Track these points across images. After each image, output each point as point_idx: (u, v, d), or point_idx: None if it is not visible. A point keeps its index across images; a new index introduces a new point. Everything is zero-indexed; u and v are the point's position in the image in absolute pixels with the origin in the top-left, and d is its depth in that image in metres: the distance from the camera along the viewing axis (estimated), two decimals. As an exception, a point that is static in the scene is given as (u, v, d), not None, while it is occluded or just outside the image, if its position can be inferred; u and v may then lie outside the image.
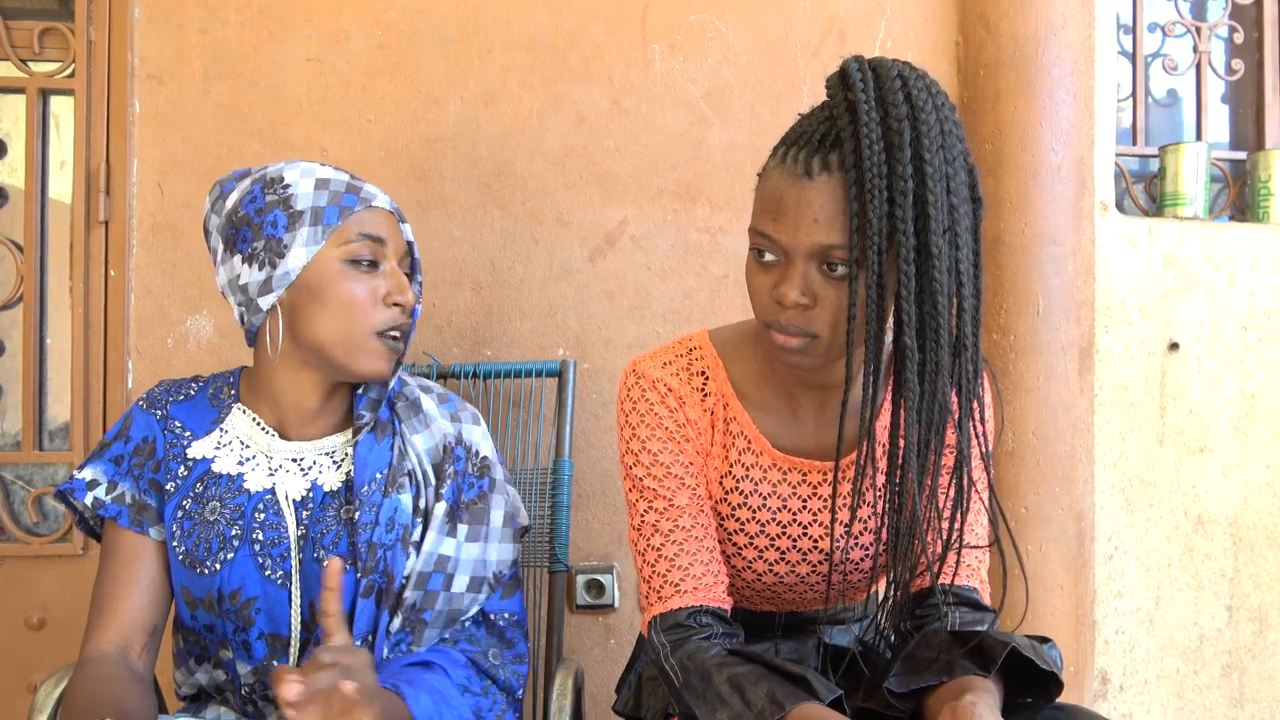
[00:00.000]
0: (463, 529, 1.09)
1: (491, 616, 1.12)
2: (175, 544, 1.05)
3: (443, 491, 1.09)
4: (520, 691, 1.11)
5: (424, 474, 1.09)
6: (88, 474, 1.08)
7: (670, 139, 1.71)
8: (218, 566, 1.03)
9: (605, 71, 1.70)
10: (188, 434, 1.09)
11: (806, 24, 1.73)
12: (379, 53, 1.67)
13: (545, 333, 1.70)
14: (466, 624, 1.11)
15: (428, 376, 1.52)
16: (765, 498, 1.04)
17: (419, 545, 1.07)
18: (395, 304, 1.05)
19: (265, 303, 1.03)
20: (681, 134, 1.71)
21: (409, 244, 1.11)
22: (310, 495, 1.06)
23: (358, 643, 1.03)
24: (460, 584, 1.09)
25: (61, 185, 1.72)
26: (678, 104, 1.71)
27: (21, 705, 1.64)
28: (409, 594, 1.06)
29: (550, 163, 1.69)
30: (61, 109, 1.72)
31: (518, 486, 1.45)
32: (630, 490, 1.04)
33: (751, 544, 1.05)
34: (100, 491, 1.07)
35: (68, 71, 1.67)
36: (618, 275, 1.71)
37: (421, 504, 1.08)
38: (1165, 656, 1.85)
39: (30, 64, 1.68)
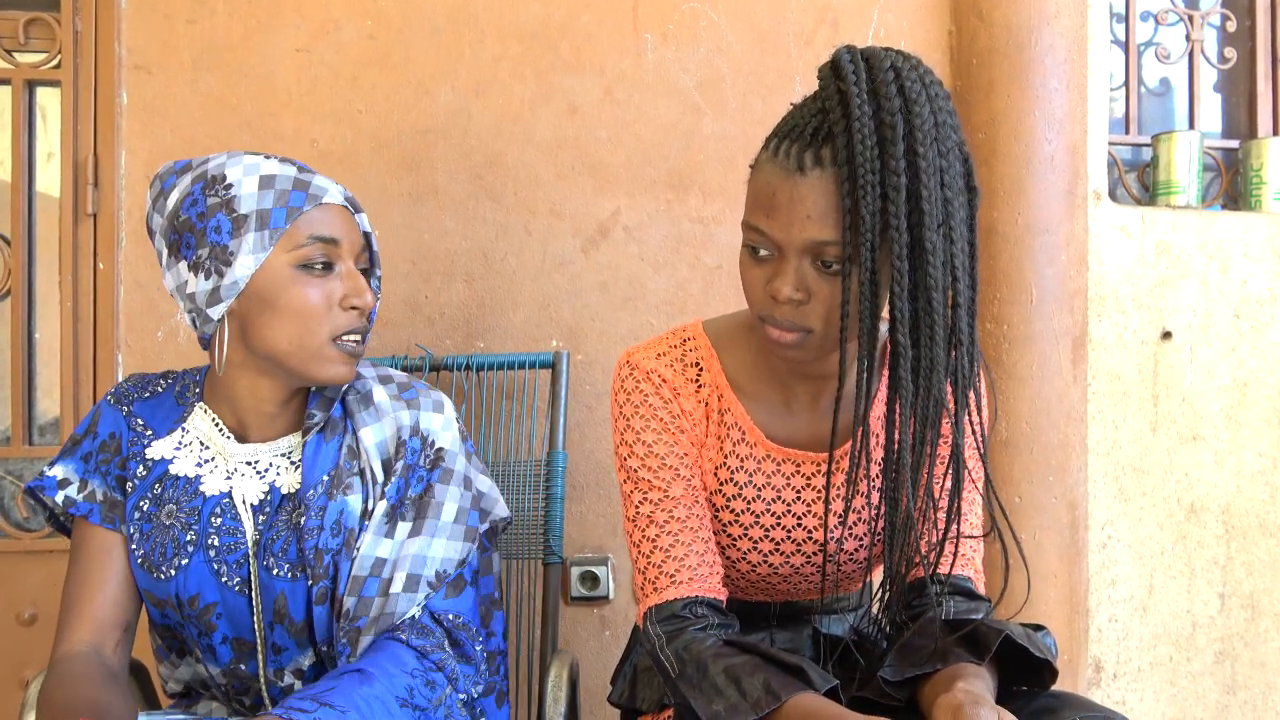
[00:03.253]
0: (403, 526, 1.03)
1: (437, 615, 1.04)
2: (134, 547, 1.02)
3: (387, 489, 1.03)
4: (470, 690, 1.03)
5: (373, 472, 1.04)
6: (58, 472, 1.05)
7: (663, 129, 1.70)
8: (173, 572, 1.00)
9: (597, 61, 1.69)
10: (149, 433, 1.06)
11: (799, 13, 1.72)
12: (369, 43, 1.66)
13: (538, 324, 1.69)
14: (412, 620, 1.02)
15: (419, 369, 1.51)
16: (759, 489, 1.04)
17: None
18: (353, 307, 0.99)
19: (215, 313, 0.98)
20: (674, 124, 1.70)
21: (366, 235, 1.05)
22: (268, 498, 1.03)
23: (325, 648, 1.01)
24: (397, 584, 1.01)
25: (49, 178, 1.70)
26: (670, 94, 1.70)
27: (13, 701, 1.63)
28: (346, 601, 1.00)
29: (542, 153, 1.69)
30: (48, 100, 1.70)
31: (511, 479, 1.45)
32: (625, 482, 1.04)
33: (746, 535, 1.05)
34: (72, 490, 1.05)
35: (54, 62, 1.65)
36: (611, 266, 1.70)
37: (369, 505, 1.03)
38: (1158, 644, 1.86)
39: (16, 54, 1.66)
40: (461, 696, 1.01)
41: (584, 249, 1.70)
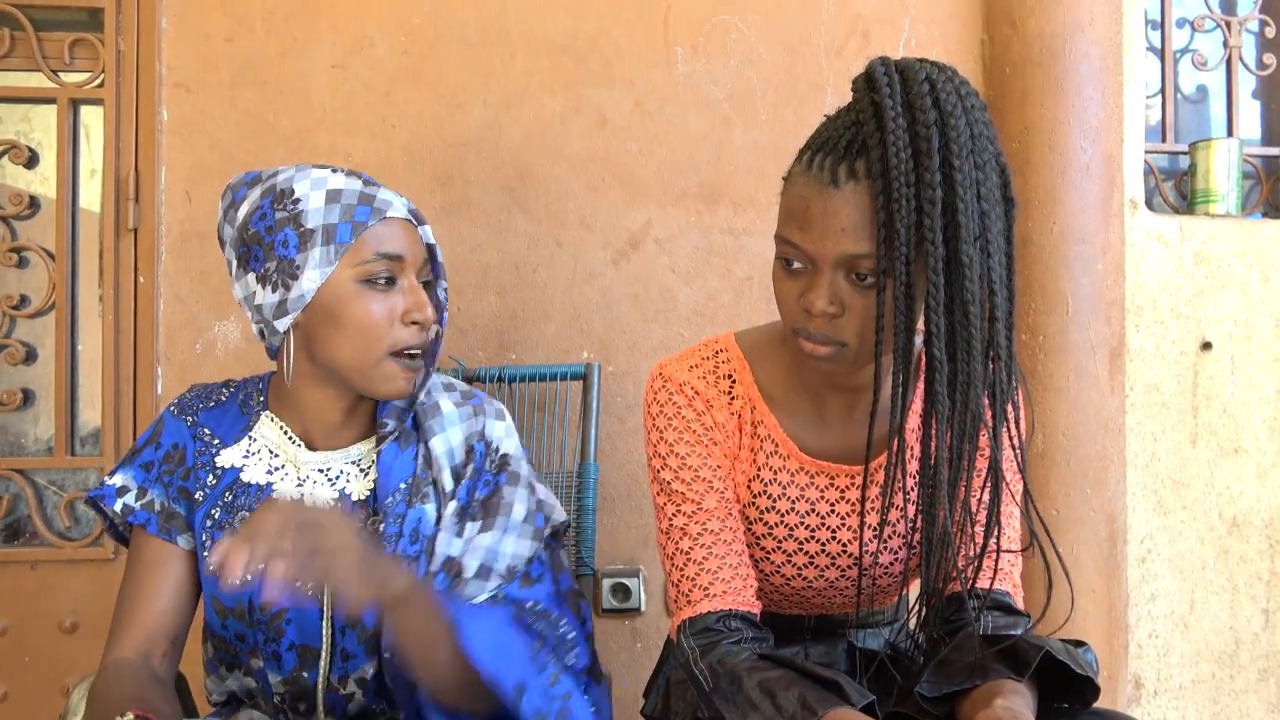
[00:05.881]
0: (473, 525, 1.05)
1: (516, 600, 1.05)
2: (206, 554, 1.04)
3: (457, 491, 1.06)
4: (579, 660, 1.04)
5: (443, 481, 1.07)
6: (118, 480, 1.07)
7: (693, 141, 1.70)
8: (249, 577, 1.03)
9: (627, 74, 1.70)
10: (216, 442, 1.09)
11: (830, 24, 1.72)
12: (402, 58, 1.68)
13: (569, 336, 1.70)
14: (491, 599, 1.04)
15: (453, 380, 1.52)
16: (793, 501, 1.03)
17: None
18: (414, 322, 1.02)
19: (281, 325, 1.01)
20: (704, 136, 1.70)
21: (430, 247, 1.08)
22: (339, 506, 1.05)
23: (386, 655, 1.01)
24: (468, 570, 1.03)
25: (91, 194, 1.74)
26: (700, 106, 1.70)
27: (55, 708, 1.66)
28: None
29: (573, 166, 1.69)
30: (91, 118, 1.74)
31: (543, 490, 1.45)
32: (658, 494, 1.04)
33: (780, 548, 1.04)
34: (130, 498, 1.07)
35: (97, 81, 1.69)
36: (642, 278, 1.70)
37: (441, 511, 1.06)
38: (1200, 661, 1.82)
39: (61, 74, 1.70)
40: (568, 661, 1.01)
41: (615, 261, 1.70)
